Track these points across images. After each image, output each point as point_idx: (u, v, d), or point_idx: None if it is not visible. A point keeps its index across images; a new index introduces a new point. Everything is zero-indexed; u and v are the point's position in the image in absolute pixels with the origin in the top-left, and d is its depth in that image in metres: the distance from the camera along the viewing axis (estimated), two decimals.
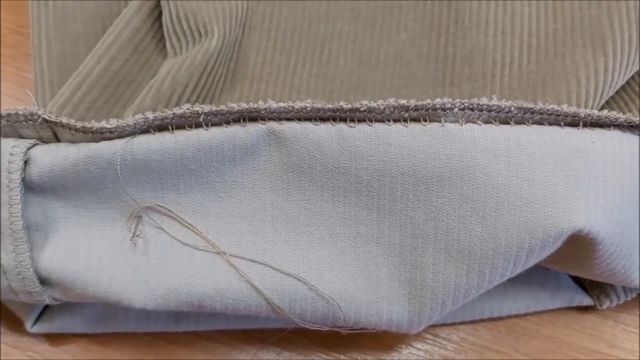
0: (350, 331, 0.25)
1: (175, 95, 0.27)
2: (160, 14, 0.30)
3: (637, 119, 0.24)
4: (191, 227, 0.23)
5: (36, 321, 0.27)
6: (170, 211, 0.23)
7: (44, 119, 0.22)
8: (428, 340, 0.29)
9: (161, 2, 0.30)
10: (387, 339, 0.29)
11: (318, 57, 0.31)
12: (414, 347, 0.29)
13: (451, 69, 0.30)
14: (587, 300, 0.29)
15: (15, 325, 0.28)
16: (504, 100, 0.23)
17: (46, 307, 0.27)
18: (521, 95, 0.28)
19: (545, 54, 0.29)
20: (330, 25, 0.32)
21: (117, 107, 0.29)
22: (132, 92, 0.29)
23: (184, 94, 0.27)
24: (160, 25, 0.30)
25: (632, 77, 0.31)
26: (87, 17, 0.32)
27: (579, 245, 0.23)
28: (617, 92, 0.31)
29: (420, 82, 0.30)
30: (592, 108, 0.27)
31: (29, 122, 0.23)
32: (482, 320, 0.29)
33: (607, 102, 0.31)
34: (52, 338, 0.28)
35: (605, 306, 0.29)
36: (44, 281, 0.24)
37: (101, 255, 0.23)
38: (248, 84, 0.30)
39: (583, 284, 0.29)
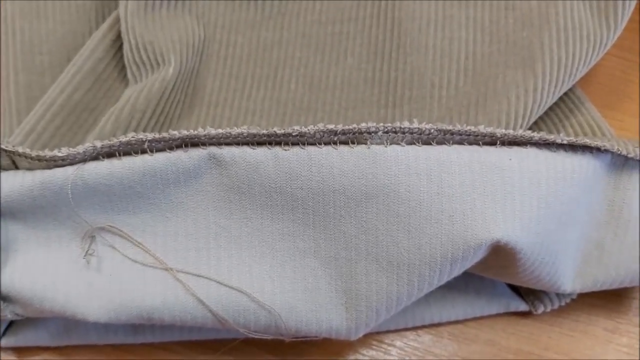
0: (293, 339, 0.26)
1: (134, 121, 0.28)
2: (121, 45, 0.32)
3: (551, 136, 0.25)
4: (140, 246, 0.25)
5: (2, 336, 0.28)
6: (120, 231, 0.25)
7: (2, 148, 0.24)
8: (373, 346, 0.30)
9: (122, 34, 0.31)
10: (335, 346, 0.30)
11: (272, 81, 0.32)
12: (359, 352, 0.30)
13: (393, 91, 0.31)
14: (522, 306, 0.30)
15: None
16: (424, 123, 0.24)
17: (12, 323, 0.28)
18: (456, 115, 0.29)
19: (480, 76, 0.30)
20: (282, 51, 0.33)
21: (80, 134, 0.30)
22: (94, 119, 0.31)
23: (143, 119, 0.29)
24: (122, 55, 0.32)
25: (567, 95, 0.33)
26: (52, 49, 0.33)
27: (501, 254, 0.25)
28: (552, 110, 0.32)
29: (366, 104, 0.32)
30: (522, 126, 0.29)
31: None
32: (424, 327, 0.30)
33: (542, 120, 0.32)
34: (19, 351, 0.29)
35: (540, 311, 0.30)
36: (4, 298, 0.25)
37: (57, 273, 0.25)
38: (205, 108, 0.32)
39: (519, 291, 0.31)
